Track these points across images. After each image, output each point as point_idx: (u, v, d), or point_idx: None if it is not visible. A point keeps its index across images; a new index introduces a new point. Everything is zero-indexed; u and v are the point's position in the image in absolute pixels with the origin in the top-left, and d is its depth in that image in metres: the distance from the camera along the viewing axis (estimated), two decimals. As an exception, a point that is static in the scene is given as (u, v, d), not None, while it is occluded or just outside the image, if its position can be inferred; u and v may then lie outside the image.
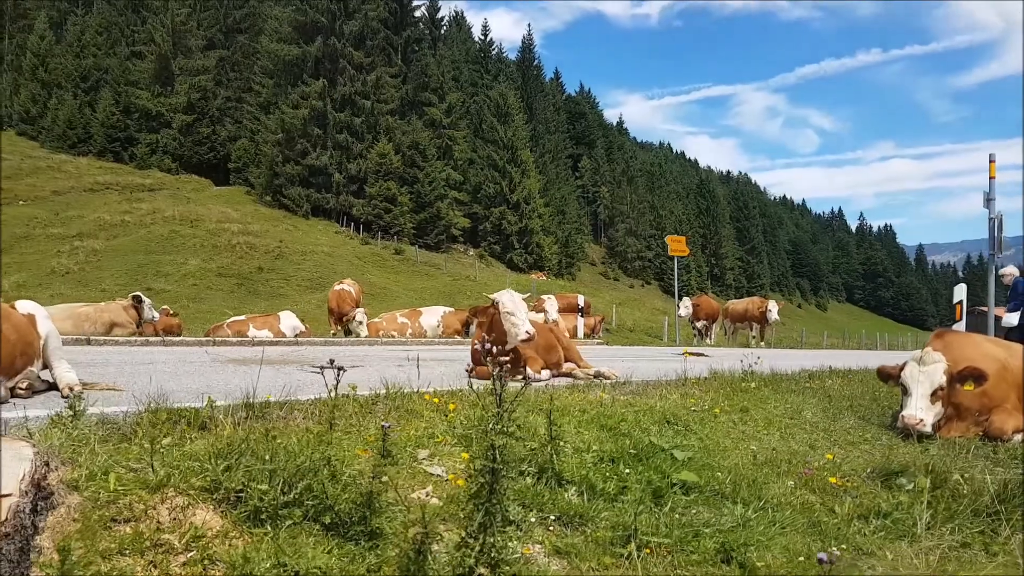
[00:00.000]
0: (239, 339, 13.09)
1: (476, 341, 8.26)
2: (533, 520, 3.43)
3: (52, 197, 54.20)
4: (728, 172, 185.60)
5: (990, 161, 13.78)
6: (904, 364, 6.28)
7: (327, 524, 2.91)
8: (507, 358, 7.49)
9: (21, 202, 52.07)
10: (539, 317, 20.34)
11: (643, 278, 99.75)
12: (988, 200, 13.79)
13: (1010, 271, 14.74)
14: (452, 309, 19.31)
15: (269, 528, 2.82)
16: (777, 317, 25.51)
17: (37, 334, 5.80)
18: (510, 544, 2.91)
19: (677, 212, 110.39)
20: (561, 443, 4.35)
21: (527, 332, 7.55)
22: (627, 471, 3.98)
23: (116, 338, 12.04)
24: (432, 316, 18.67)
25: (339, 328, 17.82)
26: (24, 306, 5.91)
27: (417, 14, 77.48)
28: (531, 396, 5.62)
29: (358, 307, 17.54)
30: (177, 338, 12.89)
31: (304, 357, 10.68)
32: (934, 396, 6.03)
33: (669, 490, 3.87)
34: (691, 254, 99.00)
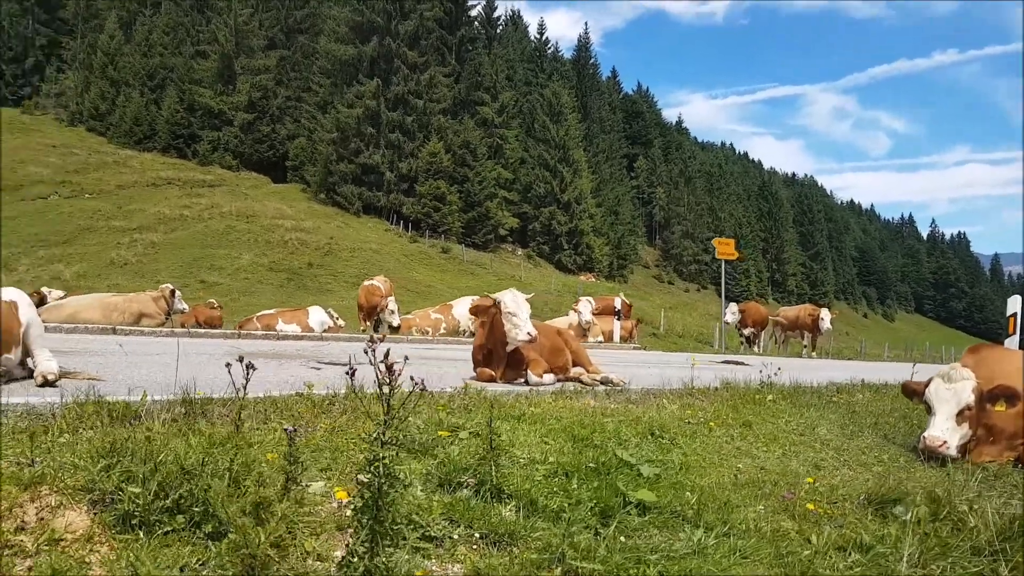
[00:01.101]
0: (265, 333, 13.09)
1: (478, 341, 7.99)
2: (457, 537, 3.14)
3: (116, 191, 55.90)
4: (793, 174, 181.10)
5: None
6: (929, 380, 5.77)
7: (209, 533, 2.68)
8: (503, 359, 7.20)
9: (87, 195, 53.88)
10: (573, 319, 20.01)
11: (699, 282, 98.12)
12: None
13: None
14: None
15: (141, 534, 2.60)
16: (830, 326, 24.56)
17: (18, 322, 5.72)
18: (404, 563, 2.64)
19: (737, 214, 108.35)
20: (513, 454, 4.05)
21: (528, 334, 7.24)
22: (577, 487, 3.66)
23: (142, 328, 12.13)
24: (464, 306, 18.23)
25: (368, 324, 17.75)
26: (7, 293, 5.85)
27: (473, 13, 77.62)
28: (508, 401, 5.33)
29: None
30: (203, 330, 12.94)
31: (319, 353, 10.57)
32: (960, 416, 5.49)
33: (620, 510, 3.53)
34: (746, 258, 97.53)
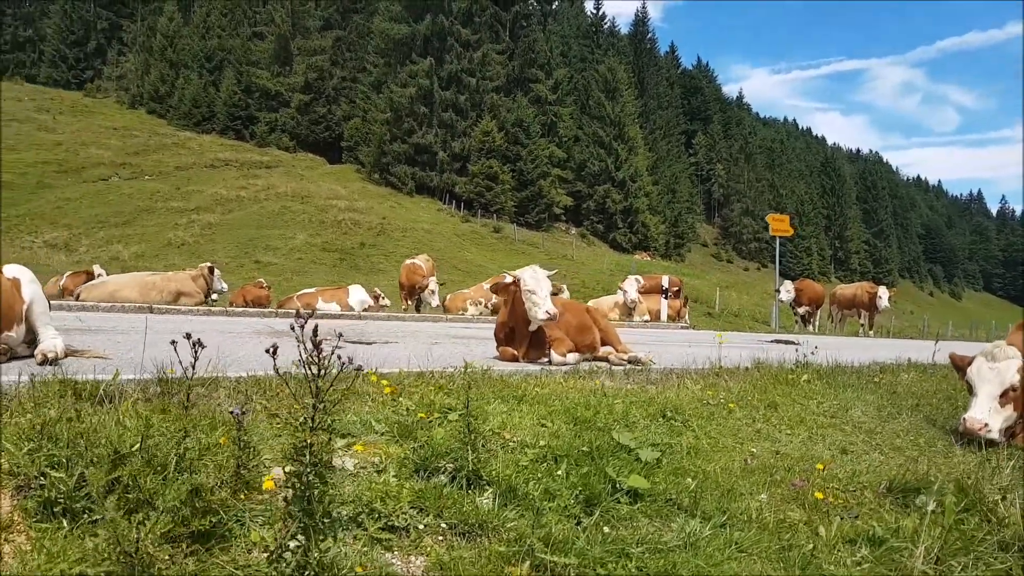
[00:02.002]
0: (299, 311, 13.08)
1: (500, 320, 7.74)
2: (424, 527, 2.89)
3: (175, 172, 57.15)
4: (858, 150, 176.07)
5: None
6: (973, 359, 5.30)
7: (140, 523, 2.48)
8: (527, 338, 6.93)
9: (147, 177, 55.21)
10: (620, 297, 19.61)
11: (759, 260, 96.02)
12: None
13: None
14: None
15: (65, 522, 2.41)
16: (888, 304, 23.61)
17: (20, 299, 5.66)
18: (355, 555, 2.42)
19: (799, 191, 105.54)
20: (502, 437, 3.79)
21: (547, 312, 6.95)
22: (563, 472, 3.38)
23: (179, 307, 12.22)
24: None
25: (410, 303, 17.66)
26: (10, 270, 5.80)
27: (528, -12, 76.82)
28: (515, 381, 5.06)
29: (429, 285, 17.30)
30: (240, 309, 12.99)
31: (351, 331, 10.47)
32: (1004, 397, 5.03)
33: (609, 498, 3.25)
34: (806, 236, 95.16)
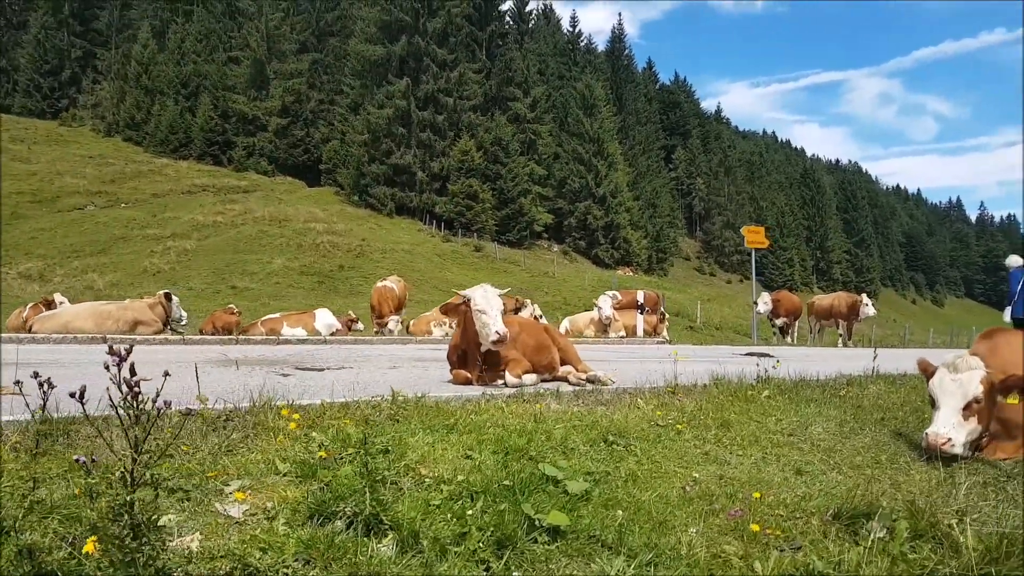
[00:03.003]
0: (264, 338, 12.72)
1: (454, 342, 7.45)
2: (305, 583, 2.58)
3: (151, 200, 56.57)
4: (837, 161, 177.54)
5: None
6: (935, 370, 5.04)
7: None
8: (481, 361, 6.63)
9: (123, 205, 54.62)
10: (595, 314, 19.35)
11: (742, 272, 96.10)
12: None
13: (1012, 261, 12.95)
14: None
15: None
16: (873, 312, 23.55)
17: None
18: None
19: (779, 203, 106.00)
20: (418, 472, 3.48)
21: (497, 332, 6.67)
22: (476, 511, 3.07)
23: (134, 336, 11.84)
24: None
25: (382, 325, 17.31)
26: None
27: (503, 8, 77.16)
28: (449, 408, 4.75)
29: (401, 307, 16.98)
30: (199, 337, 12.61)
31: (311, 358, 10.13)
32: (968, 410, 4.77)
33: (525, 538, 2.94)
34: (778, 247, 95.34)
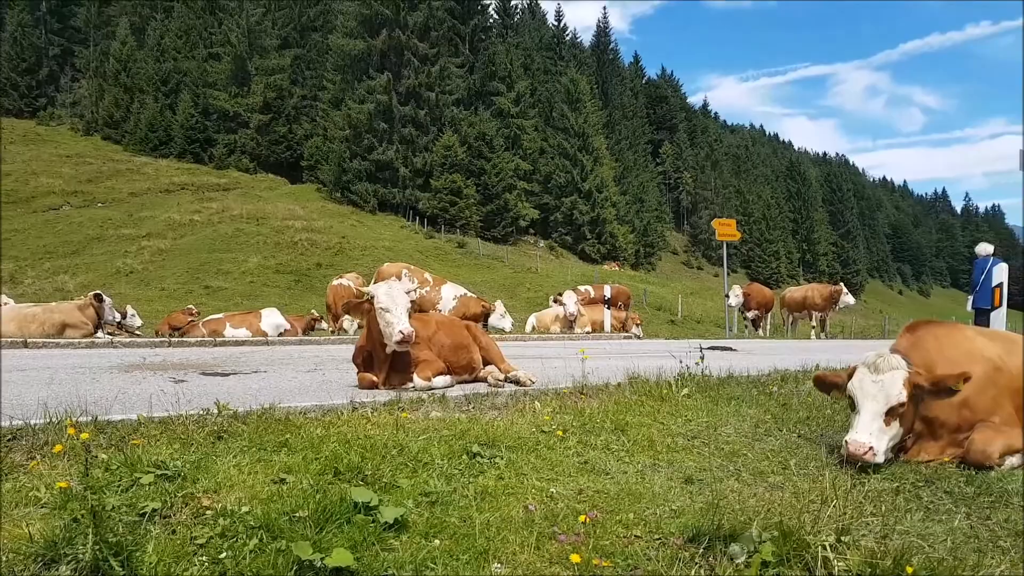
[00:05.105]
0: (200, 340, 12.16)
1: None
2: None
3: (128, 199, 55.79)
4: (824, 154, 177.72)
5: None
6: (854, 369, 4.53)
7: None
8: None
9: (99, 204, 53.84)
10: (560, 310, 18.85)
11: (729, 266, 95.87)
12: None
13: (981, 249, 12.64)
14: (470, 294, 17.71)
15: None
16: (852, 300, 23.18)
17: None
18: None
19: (765, 196, 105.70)
20: (207, 502, 2.95)
21: (401, 332, 6.13)
22: (246, 553, 2.55)
23: (57, 340, 11.27)
24: (451, 291, 16.97)
25: (338, 326, 16.77)
26: None
27: (487, 1, 76.35)
28: (298, 421, 4.22)
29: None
30: (128, 340, 12.04)
31: (236, 361, 9.59)
32: (890, 415, 4.26)
33: (296, 585, 2.43)
34: (764, 240, 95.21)
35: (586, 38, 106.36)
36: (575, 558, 2.63)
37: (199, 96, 72.45)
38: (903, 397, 4.19)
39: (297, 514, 2.82)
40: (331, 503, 2.91)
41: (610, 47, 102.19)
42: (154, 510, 2.81)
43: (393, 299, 6.33)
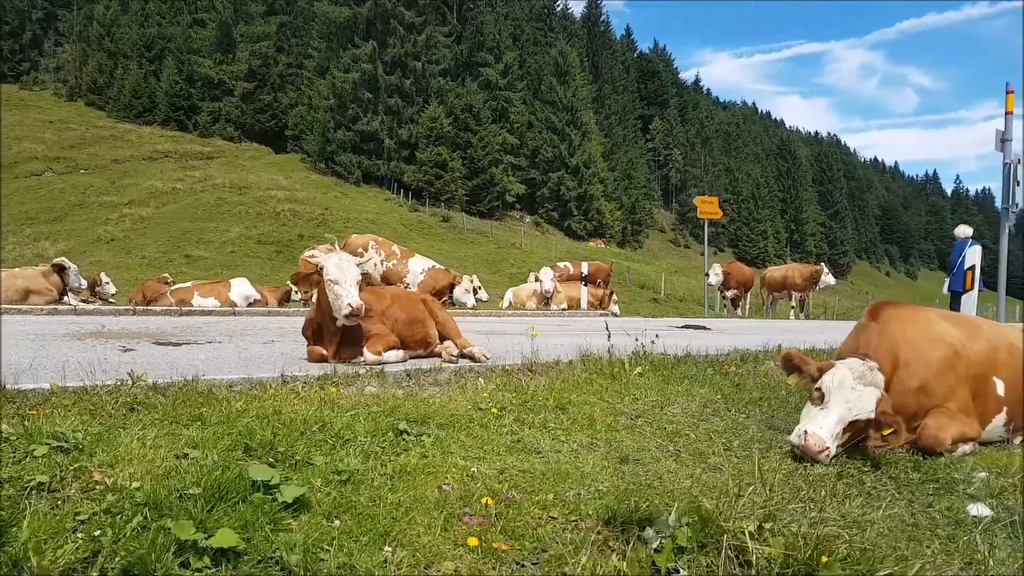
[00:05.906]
0: (165, 309, 11.98)
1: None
2: None
3: (112, 166, 55.13)
4: (816, 133, 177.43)
5: (1007, 92, 11.26)
6: (834, 366, 4.34)
7: None
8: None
9: (82, 171, 53.18)
10: (536, 287, 18.78)
11: (716, 245, 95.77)
12: (1003, 141, 11.37)
13: (961, 231, 12.64)
14: (439, 266, 17.60)
15: None
16: (833, 280, 23.16)
17: None
18: None
19: (755, 175, 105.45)
20: (88, 476, 2.84)
21: (350, 306, 6.01)
22: (117, 532, 2.45)
23: (19, 307, 11.08)
24: (419, 264, 16.89)
25: (308, 297, 16.57)
26: None
27: (475, -30, 75.36)
28: (222, 395, 4.10)
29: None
30: (92, 307, 11.86)
31: (195, 330, 9.46)
32: (853, 426, 4.15)
33: (175, 565, 2.33)
34: (752, 219, 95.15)
35: (577, 9, 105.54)
36: (472, 541, 2.55)
37: (183, 63, 71.48)
38: (871, 415, 4.10)
39: (189, 491, 2.71)
40: (228, 481, 2.81)
41: (601, 19, 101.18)
42: (41, 483, 2.70)
43: (343, 271, 6.20)
